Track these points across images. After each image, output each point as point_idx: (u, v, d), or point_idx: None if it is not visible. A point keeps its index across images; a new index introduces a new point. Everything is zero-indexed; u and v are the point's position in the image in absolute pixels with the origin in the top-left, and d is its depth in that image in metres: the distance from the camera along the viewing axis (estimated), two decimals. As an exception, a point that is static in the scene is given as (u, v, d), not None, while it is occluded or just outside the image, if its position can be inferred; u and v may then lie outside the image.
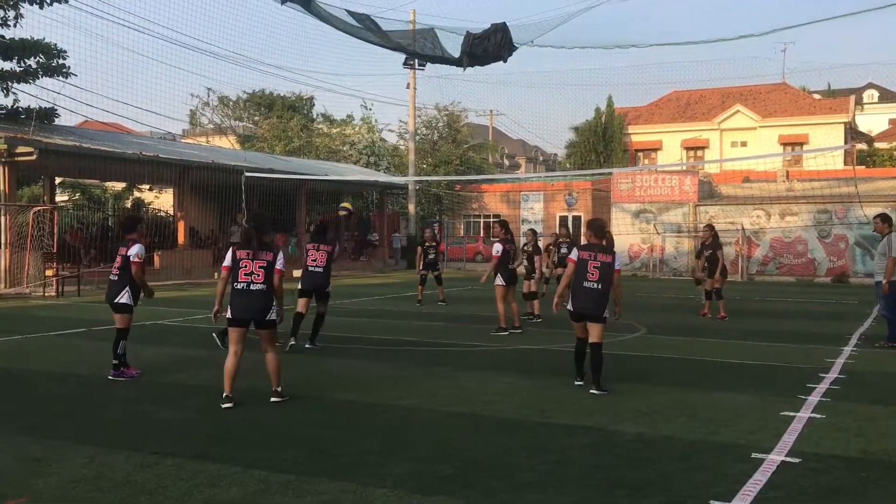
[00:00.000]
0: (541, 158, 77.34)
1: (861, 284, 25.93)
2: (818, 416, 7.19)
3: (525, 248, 15.64)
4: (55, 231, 20.25)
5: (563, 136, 49.18)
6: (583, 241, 8.95)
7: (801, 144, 47.62)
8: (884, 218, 11.84)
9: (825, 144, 40.75)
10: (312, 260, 10.88)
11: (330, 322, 12.08)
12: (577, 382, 8.44)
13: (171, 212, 30.22)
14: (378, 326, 13.87)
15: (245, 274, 7.37)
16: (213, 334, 10.67)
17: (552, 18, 24.75)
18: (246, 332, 7.46)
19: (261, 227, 7.59)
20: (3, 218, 21.04)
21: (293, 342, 10.64)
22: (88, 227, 28.96)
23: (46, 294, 19.24)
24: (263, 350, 7.54)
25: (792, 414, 7.18)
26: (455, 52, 23.85)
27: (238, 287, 7.39)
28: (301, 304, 10.97)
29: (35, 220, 20.26)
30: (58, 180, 33.89)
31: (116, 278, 8.79)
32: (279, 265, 7.45)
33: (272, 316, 7.44)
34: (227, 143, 43.27)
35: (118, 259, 8.80)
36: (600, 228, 8.50)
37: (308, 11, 20.70)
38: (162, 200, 36.62)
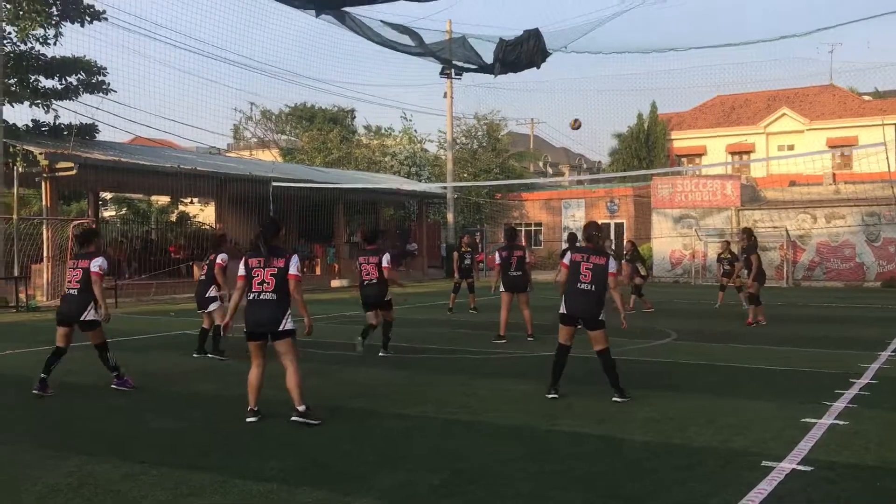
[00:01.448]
0: (584, 166, 76.68)
1: (913, 289, 25.08)
2: (840, 422, 6.85)
3: (625, 256, 18.05)
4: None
5: (607, 142, 48.62)
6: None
7: (851, 147, 46.44)
8: None
9: (871, 155, 39.62)
10: (366, 274, 10.90)
11: (352, 330, 11.99)
12: (549, 396, 7.93)
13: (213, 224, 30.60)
14: (401, 334, 13.71)
15: (257, 283, 7.00)
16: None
17: (584, 24, 24.51)
18: (264, 344, 7.10)
19: (269, 232, 7.20)
20: (45, 232, 21.49)
21: (360, 349, 10.89)
22: (132, 241, 29.45)
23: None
24: (283, 364, 7.01)
25: (813, 421, 6.85)
26: (488, 59, 23.78)
27: (250, 298, 7.04)
28: (369, 317, 11.12)
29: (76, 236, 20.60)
30: (107, 196, 34.66)
31: (76, 294, 8.32)
32: (293, 270, 6.99)
33: (286, 326, 6.96)
34: (270, 156, 43.73)
35: (78, 272, 8.32)
36: (588, 232, 8.24)
37: (342, 24, 20.84)
38: (206, 213, 37.14)
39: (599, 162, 68.80)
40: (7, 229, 20.73)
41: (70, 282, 8.42)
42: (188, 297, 23.62)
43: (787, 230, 28.73)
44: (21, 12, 21.80)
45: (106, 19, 23.75)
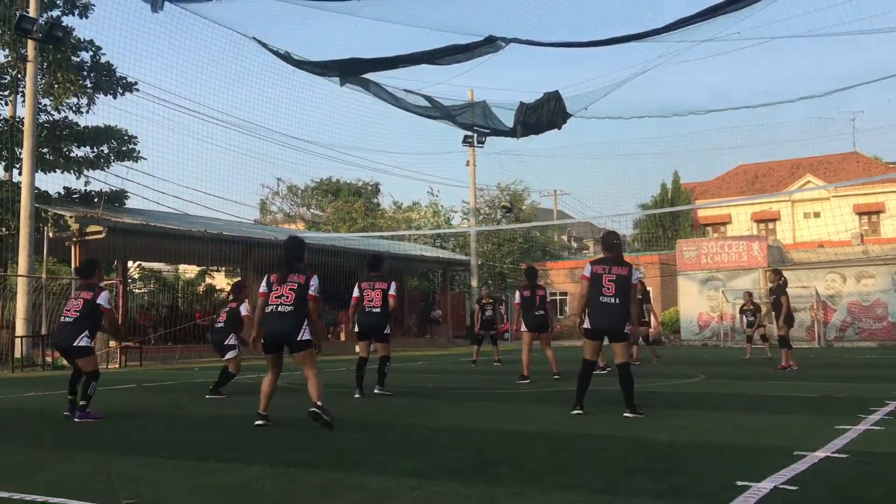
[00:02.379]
0: (601, 242, 76.53)
1: (949, 346, 24.47)
2: (876, 428, 6.61)
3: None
4: (120, 304, 20.73)
5: (630, 215, 48.76)
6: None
7: (878, 213, 46.21)
8: None
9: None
10: (369, 300, 9.97)
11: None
12: (574, 412, 7.68)
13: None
14: (422, 378, 13.57)
15: (276, 297, 7.06)
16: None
17: (603, 88, 24.86)
18: (280, 356, 7.16)
19: (292, 250, 7.33)
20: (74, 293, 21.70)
21: (358, 395, 9.84)
22: (158, 309, 29.65)
23: (110, 367, 19.56)
24: (305, 375, 7.01)
25: (847, 427, 6.61)
26: (508, 123, 24.14)
27: (268, 311, 7.08)
28: (361, 347, 10.25)
29: (101, 295, 20.79)
30: (135, 274, 35.06)
31: (72, 321, 8.07)
32: (312, 290, 7.05)
33: (305, 336, 6.97)
34: (296, 228, 44.27)
35: (79, 303, 8.09)
36: (608, 241, 8.06)
37: (367, 90, 21.36)
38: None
39: (624, 235, 68.79)
40: (35, 289, 20.95)
41: (69, 311, 8.20)
42: (212, 359, 23.72)
43: (816, 290, 28.33)
44: (56, 83, 22.57)
45: (138, 90, 24.50)
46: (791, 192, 45.68)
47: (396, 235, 39.42)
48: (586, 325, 7.81)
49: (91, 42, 23.11)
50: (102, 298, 8.12)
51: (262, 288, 7.23)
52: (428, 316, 36.24)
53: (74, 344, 8.02)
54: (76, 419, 7.92)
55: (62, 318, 8.35)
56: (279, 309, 7.02)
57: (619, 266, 7.80)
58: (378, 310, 9.93)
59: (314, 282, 7.13)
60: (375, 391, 10.02)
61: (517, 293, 12.75)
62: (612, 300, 7.67)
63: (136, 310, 28.28)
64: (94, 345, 8.42)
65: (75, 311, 8.09)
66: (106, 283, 22.14)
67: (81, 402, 7.99)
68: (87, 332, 8.07)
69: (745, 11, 13.60)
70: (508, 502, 4.01)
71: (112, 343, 20.05)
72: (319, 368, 7.19)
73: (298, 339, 6.97)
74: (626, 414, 7.52)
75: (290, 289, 7.06)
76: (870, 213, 46.30)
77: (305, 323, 7.02)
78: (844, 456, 5.24)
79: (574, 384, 7.96)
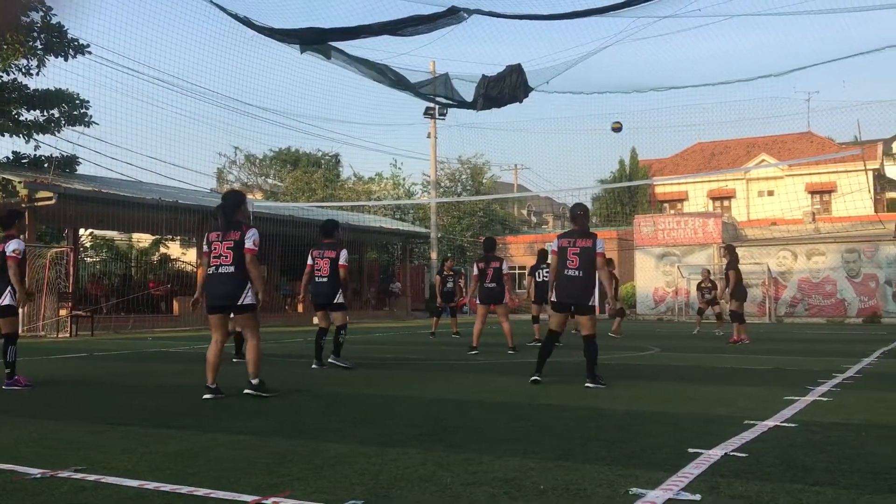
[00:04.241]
0: (567, 214, 77.15)
1: (894, 324, 25.12)
2: (823, 399, 6.76)
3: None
4: (71, 271, 20.31)
5: (589, 189, 49.20)
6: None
7: (830, 192, 47.09)
8: None
9: (854, 191, 40.13)
10: (318, 269, 9.73)
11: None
12: (533, 378, 7.74)
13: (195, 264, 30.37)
14: (379, 350, 13.56)
15: (214, 257, 6.87)
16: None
17: (565, 63, 24.86)
18: (224, 318, 7.08)
19: (228, 205, 7.03)
20: (22, 262, 21.19)
21: (315, 365, 9.76)
22: (111, 278, 29.14)
23: (60, 336, 19.20)
24: (244, 337, 7.14)
25: (796, 398, 6.75)
26: (469, 96, 24.02)
27: (209, 272, 6.93)
28: (318, 317, 10.12)
29: (51, 263, 20.36)
30: (87, 242, 34.37)
31: None
32: (248, 244, 6.79)
33: (247, 300, 6.84)
34: (253, 198, 43.74)
35: None
36: (573, 212, 8.06)
37: (327, 59, 21.05)
38: (189, 256, 36.88)
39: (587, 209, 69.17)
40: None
41: None
42: (166, 329, 23.45)
43: (768, 267, 28.85)
44: (4, 44, 21.88)
45: (90, 53, 23.86)
46: (747, 168, 46.37)
47: (356, 206, 39.17)
48: (552, 297, 7.89)
49: (41, 1, 22.41)
50: (9, 246, 7.60)
51: (204, 247, 7.08)
52: (387, 288, 36.18)
53: None
54: (3, 387, 7.58)
55: None
56: (220, 270, 6.87)
57: (584, 238, 7.84)
58: (326, 279, 9.68)
59: (251, 234, 6.86)
60: (330, 360, 9.81)
61: (474, 265, 12.74)
62: (577, 273, 7.72)
63: (88, 279, 27.71)
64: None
65: None
66: (55, 249, 21.69)
67: (6, 370, 7.65)
68: (9, 290, 7.59)
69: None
70: (464, 468, 4.02)
71: (62, 311, 19.69)
72: (261, 336, 7.14)
73: (241, 302, 6.85)
74: (587, 384, 7.60)
75: (227, 247, 6.85)
76: (822, 193, 47.20)
77: (248, 286, 6.86)
78: (793, 425, 5.35)
79: (534, 356, 8.02)
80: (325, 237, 10.01)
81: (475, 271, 12.51)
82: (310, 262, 9.91)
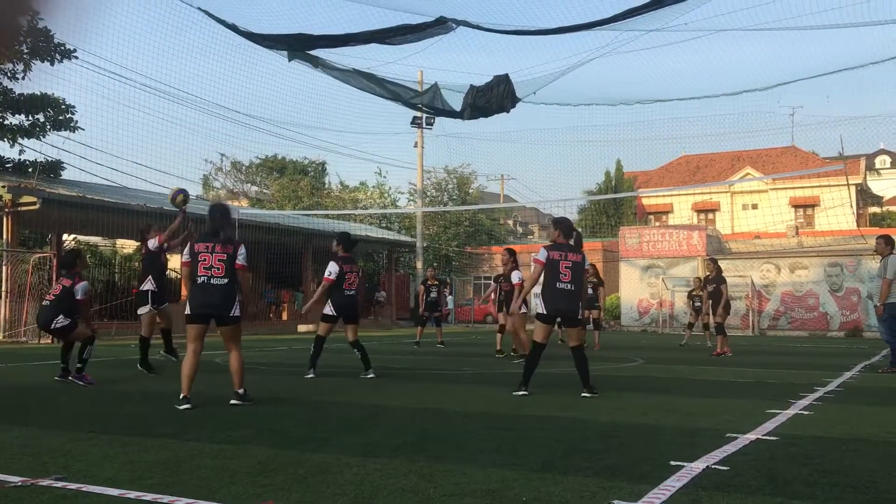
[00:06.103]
0: (552, 226, 77.20)
1: (876, 338, 25.30)
2: (805, 412, 6.81)
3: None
4: (54, 277, 20.15)
5: (575, 201, 49.45)
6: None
7: (813, 206, 47.48)
8: (887, 240, 11.45)
9: (836, 206, 40.55)
10: (349, 284, 9.55)
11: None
12: (519, 393, 7.74)
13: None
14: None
15: (205, 268, 6.87)
16: None
17: (552, 73, 25.00)
18: (205, 329, 7.01)
19: (219, 218, 7.10)
20: (4, 268, 21.04)
21: (312, 374, 9.61)
22: (94, 284, 28.95)
23: (42, 342, 19.03)
24: (227, 349, 7.08)
25: (778, 411, 6.80)
26: (458, 105, 24.09)
27: (198, 281, 6.89)
28: (350, 330, 9.80)
29: (35, 269, 20.21)
30: (70, 246, 34.10)
31: (49, 304, 9.09)
32: (241, 261, 6.93)
33: (236, 312, 6.91)
34: (239, 206, 43.62)
35: (58, 288, 9.15)
36: (568, 228, 8.17)
37: (315, 68, 21.07)
38: (174, 261, 36.69)
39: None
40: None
41: (49, 294, 9.36)
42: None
43: (752, 280, 29.03)
44: (-9, 48, 21.78)
45: (77, 58, 23.80)
46: (732, 181, 46.70)
47: (342, 215, 39.14)
48: (541, 309, 7.94)
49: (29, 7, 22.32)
50: (79, 288, 8.99)
51: (185, 257, 7.03)
52: (372, 297, 36.13)
53: (53, 327, 8.97)
54: (80, 382, 8.85)
55: (44, 301, 9.51)
56: (213, 281, 6.88)
57: (575, 253, 7.98)
58: (354, 293, 9.67)
59: (242, 251, 6.99)
60: (369, 376, 9.63)
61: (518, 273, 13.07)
62: (569, 286, 7.85)
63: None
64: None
65: (54, 295, 9.13)
66: (38, 255, 21.54)
67: (78, 365, 8.94)
68: (62, 315, 8.93)
69: (692, 2, 13.77)
70: (447, 479, 4.02)
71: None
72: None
73: (231, 314, 6.91)
74: (583, 394, 7.70)
75: (219, 259, 6.89)
76: (805, 207, 47.63)
77: (238, 298, 6.94)
78: (775, 438, 5.38)
79: (516, 368, 8.05)
80: (347, 250, 9.81)
81: (517, 280, 12.91)
82: (336, 274, 9.56)
